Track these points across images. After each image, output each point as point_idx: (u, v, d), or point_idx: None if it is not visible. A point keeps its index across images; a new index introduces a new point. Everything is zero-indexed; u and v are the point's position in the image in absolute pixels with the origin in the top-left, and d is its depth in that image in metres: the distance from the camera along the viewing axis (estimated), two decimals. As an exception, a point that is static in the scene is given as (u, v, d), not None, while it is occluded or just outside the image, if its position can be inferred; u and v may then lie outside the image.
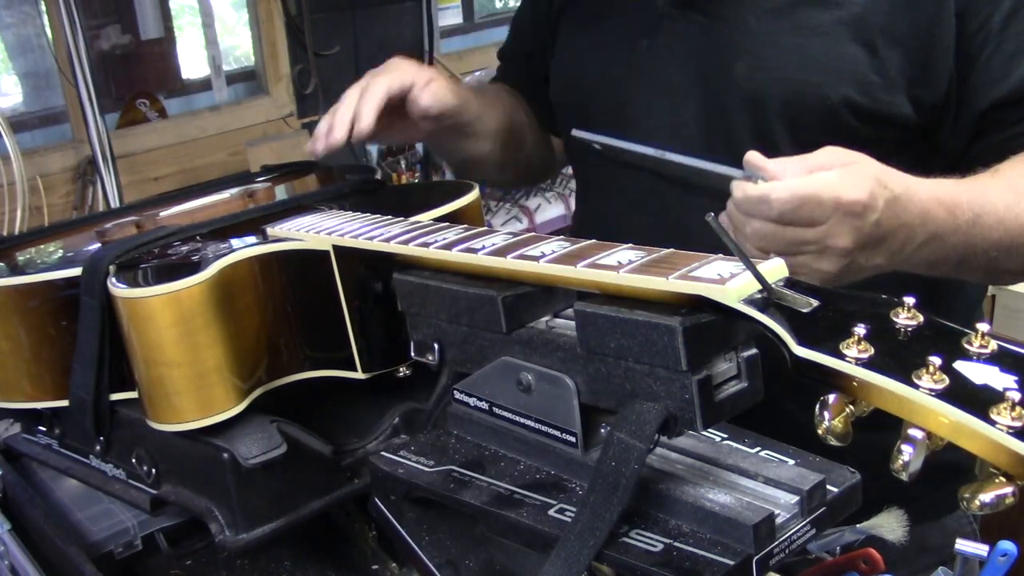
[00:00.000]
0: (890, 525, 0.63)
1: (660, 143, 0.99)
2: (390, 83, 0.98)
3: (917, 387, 0.44)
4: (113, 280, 0.79)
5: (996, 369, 0.45)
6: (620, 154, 0.97)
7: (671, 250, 0.61)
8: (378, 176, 1.11)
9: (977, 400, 0.43)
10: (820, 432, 0.50)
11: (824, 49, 0.92)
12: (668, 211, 1.01)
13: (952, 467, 0.51)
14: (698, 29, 0.98)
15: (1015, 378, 0.44)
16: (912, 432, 0.45)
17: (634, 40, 1.03)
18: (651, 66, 1.02)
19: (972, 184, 0.84)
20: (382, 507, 0.72)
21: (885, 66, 0.91)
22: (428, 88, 1.00)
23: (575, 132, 1.03)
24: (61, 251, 1.04)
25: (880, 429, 0.50)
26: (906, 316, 0.49)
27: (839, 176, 0.73)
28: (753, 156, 0.75)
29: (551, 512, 0.61)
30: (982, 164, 0.88)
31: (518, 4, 1.30)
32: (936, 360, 0.44)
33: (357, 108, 0.97)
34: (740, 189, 0.74)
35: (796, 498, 0.59)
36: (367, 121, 0.96)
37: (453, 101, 1.03)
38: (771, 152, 0.94)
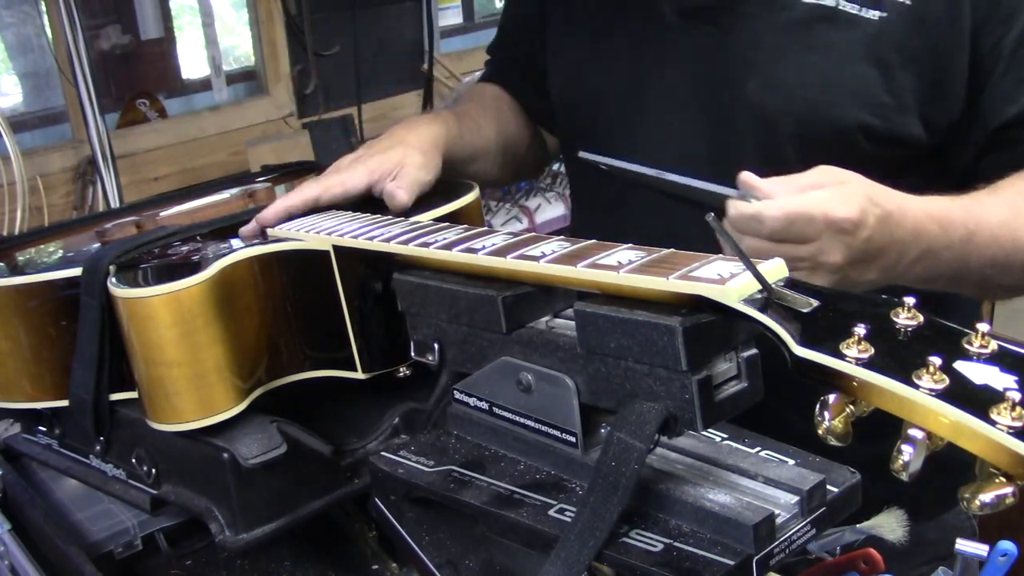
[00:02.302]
0: (890, 525, 0.63)
1: (666, 158, 0.96)
2: (347, 187, 0.93)
3: (917, 387, 0.44)
4: (113, 280, 0.79)
5: (996, 369, 0.45)
6: (623, 174, 0.96)
7: (671, 250, 0.61)
8: (378, 176, 1.11)
9: (977, 400, 0.43)
10: (820, 432, 0.50)
11: (839, 69, 0.91)
12: (671, 228, 0.98)
13: (953, 464, 0.51)
14: (707, 42, 0.96)
15: (1015, 378, 0.44)
16: (912, 432, 0.45)
17: (640, 50, 1.01)
18: (657, 78, 1.00)
19: (967, 201, 0.84)
20: (382, 507, 0.72)
21: (898, 87, 0.90)
22: (401, 180, 0.92)
23: (582, 154, 0.99)
24: (61, 251, 1.04)
25: (881, 430, 0.50)
26: (906, 316, 0.49)
27: (830, 194, 0.74)
28: (747, 176, 0.76)
29: (551, 512, 0.61)
30: (986, 180, 0.88)
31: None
32: (936, 360, 0.44)
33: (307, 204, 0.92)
34: (733, 207, 0.75)
35: (796, 498, 0.59)
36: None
37: (431, 176, 0.96)
38: (778, 171, 0.94)
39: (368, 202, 0.93)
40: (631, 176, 0.93)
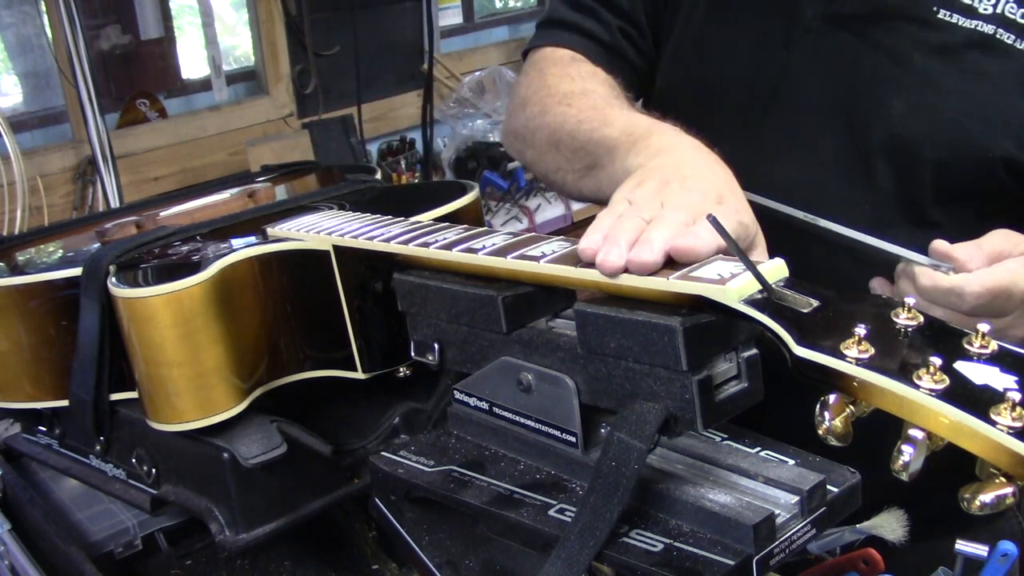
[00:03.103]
0: (890, 525, 0.63)
1: (784, 167, 0.91)
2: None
3: (917, 387, 0.44)
4: (113, 280, 0.79)
5: (996, 369, 0.45)
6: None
7: (671, 250, 0.61)
8: (378, 176, 1.12)
9: (977, 400, 0.43)
10: (820, 432, 0.50)
11: (991, 99, 0.87)
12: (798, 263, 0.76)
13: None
14: (849, 52, 0.91)
15: (1015, 378, 0.44)
16: (912, 432, 0.45)
17: (771, 49, 0.95)
18: (788, 83, 0.94)
19: None
20: (382, 507, 0.72)
21: None
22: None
23: None
24: (61, 251, 1.04)
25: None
26: (906, 316, 0.49)
27: (1019, 267, 0.72)
28: (941, 245, 0.73)
29: (551, 512, 0.61)
30: None
31: (518, 4, 1.19)
32: (936, 360, 0.44)
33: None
34: (929, 278, 0.72)
35: (796, 498, 0.59)
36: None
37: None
38: (909, 194, 0.89)
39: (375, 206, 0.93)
40: (760, 209, 0.80)
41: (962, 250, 0.72)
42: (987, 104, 0.87)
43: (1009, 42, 0.87)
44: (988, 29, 0.87)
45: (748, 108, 0.97)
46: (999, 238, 0.74)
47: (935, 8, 0.88)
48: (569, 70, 1.00)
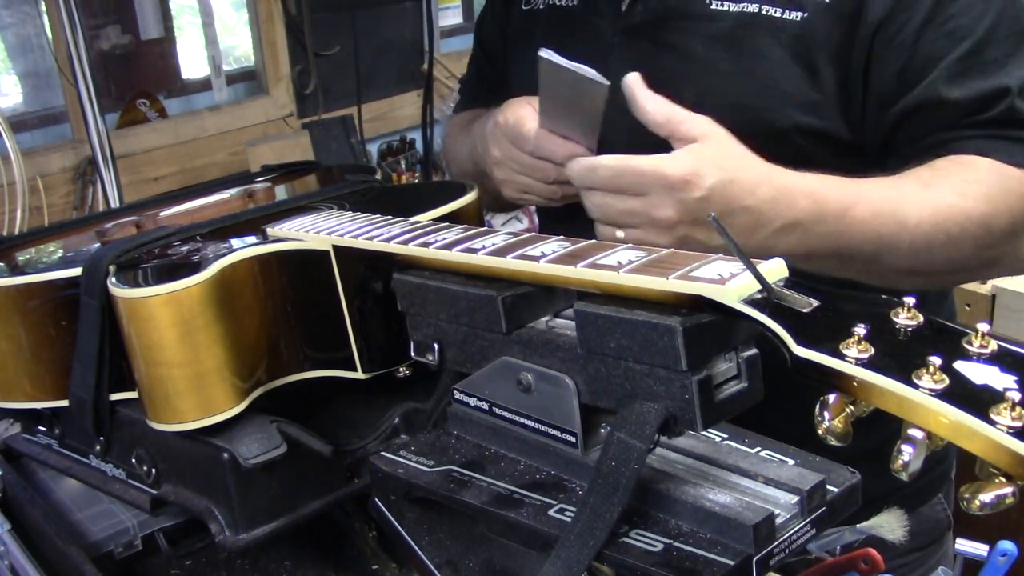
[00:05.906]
0: (890, 525, 0.63)
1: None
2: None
3: (917, 387, 0.44)
4: (113, 280, 0.79)
5: (996, 369, 0.45)
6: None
7: (671, 250, 0.61)
8: (378, 176, 1.11)
9: (977, 400, 0.43)
10: (820, 432, 0.50)
11: (768, 73, 0.92)
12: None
13: (929, 457, 0.51)
14: (646, 57, 0.98)
15: (1015, 378, 0.44)
16: (912, 432, 0.45)
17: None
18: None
19: (852, 179, 0.85)
20: (382, 507, 0.72)
21: (824, 84, 0.91)
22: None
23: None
24: (61, 251, 1.04)
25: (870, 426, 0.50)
26: (906, 316, 0.49)
27: (672, 154, 0.80)
28: (633, 77, 0.83)
29: (551, 512, 0.62)
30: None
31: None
32: (936, 360, 0.44)
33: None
34: (576, 163, 0.83)
35: (796, 498, 0.59)
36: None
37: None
38: None
39: (377, 205, 0.93)
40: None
41: (652, 101, 0.84)
42: (764, 79, 0.93)
43: (776, 15, 0.92)
44: (753, 8, 0.93)
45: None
46: (704, 123, 0.83)
47: (707, 1, 0.95)
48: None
